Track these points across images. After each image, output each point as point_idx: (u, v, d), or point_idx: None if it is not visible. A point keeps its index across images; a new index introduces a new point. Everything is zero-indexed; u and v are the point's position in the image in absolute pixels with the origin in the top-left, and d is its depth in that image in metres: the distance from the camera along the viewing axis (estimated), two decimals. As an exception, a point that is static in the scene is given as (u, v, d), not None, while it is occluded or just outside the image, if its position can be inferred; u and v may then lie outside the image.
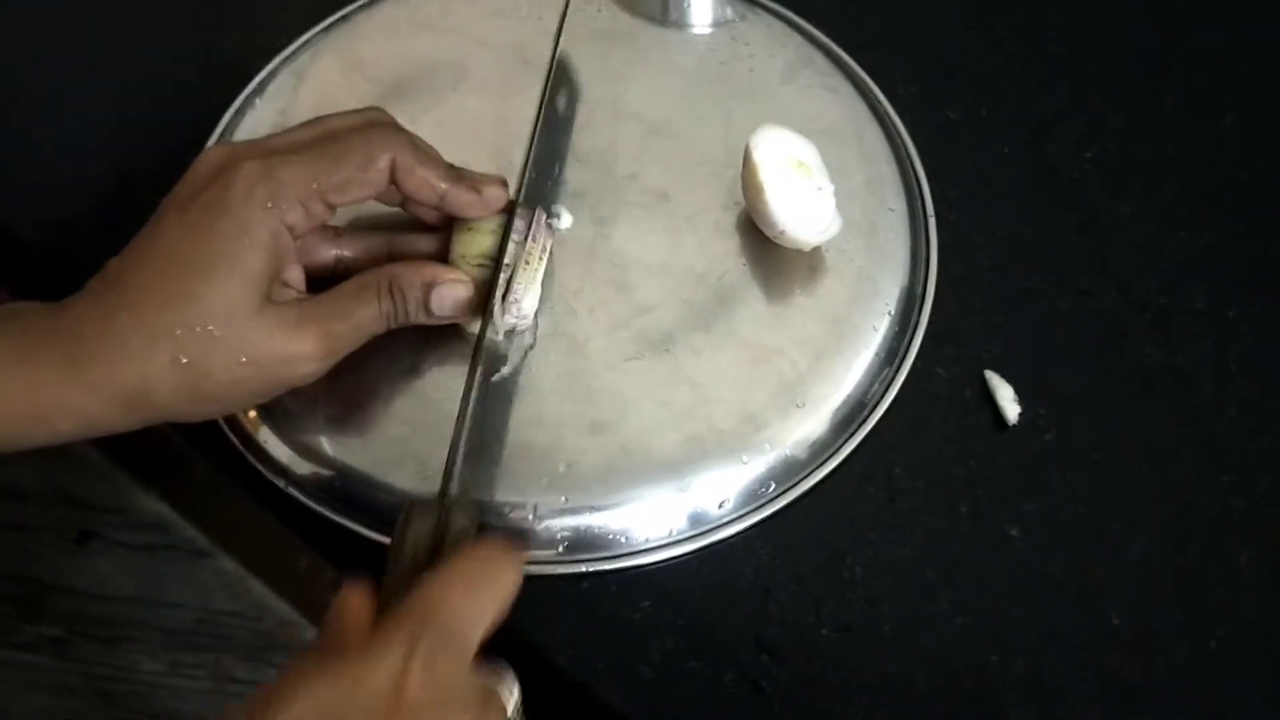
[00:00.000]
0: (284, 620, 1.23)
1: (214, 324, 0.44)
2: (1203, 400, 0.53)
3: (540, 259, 0.50)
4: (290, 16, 0.65)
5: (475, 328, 0.50)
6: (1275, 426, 0.52)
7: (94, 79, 0.65)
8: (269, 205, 0.44)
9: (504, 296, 0.49)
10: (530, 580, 0.48)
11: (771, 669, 0.47)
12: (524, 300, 0.50)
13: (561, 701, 0.47)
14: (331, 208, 0.47)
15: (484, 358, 0.50)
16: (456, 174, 0.49)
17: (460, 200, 0.49)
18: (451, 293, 0.48)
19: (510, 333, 0.51)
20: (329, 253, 0.50)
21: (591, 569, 0.49)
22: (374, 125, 0.48)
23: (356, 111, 0.49)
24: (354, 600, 0.41)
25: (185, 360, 0.44)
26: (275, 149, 0.46)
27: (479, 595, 0.41)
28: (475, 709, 0.40)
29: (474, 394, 0.48)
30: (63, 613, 1.24)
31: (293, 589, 1.23)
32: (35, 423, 0.44)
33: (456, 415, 0.47)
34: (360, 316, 0.47)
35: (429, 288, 0.48)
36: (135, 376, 0.43)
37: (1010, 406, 0.52)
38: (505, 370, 0.51)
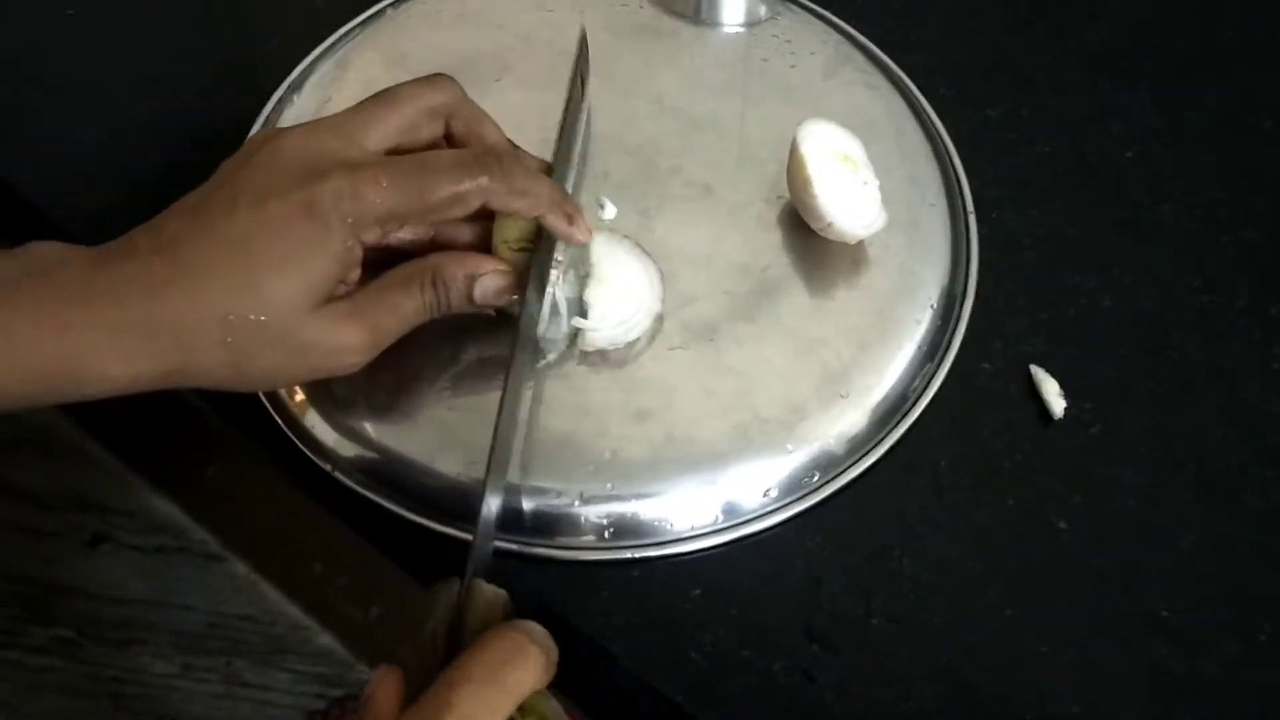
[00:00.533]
0: (296, 624, 1.23)
1: (268, 315, 0.44)
2: (1247, 396, 0.53)
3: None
4: (332, 8, 0.65)
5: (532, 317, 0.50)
6: (1320, 423, 0.52)
7: (137, 68, 0.65)
8: (349, 221, 0.44)
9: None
10: (578, 567, 0.49)
11: (823, 658, 0.47)
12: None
13: (614, 689, 0.47)
14: (404, 227, 0.47)
15: (530, 346, 0.50)
16: (555, 201, 0.48)
17: (557, 227, 0.48)
18: (493, 283, 0.48)
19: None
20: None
21: (637, 555, 0.49)
22: (475, 166, 0.46)
23: (432, 87, 0.49)
24: (382, 691, 0.41)
25: (231, 341, 0.44)
26: (358, 162, 0.45)
27: (497, 687, 0.40)
28: None
29: (510, 398, 0.48)
30: (74, 615, 1.23)
31: (305, 593, 1.23)
32: (65, 384, 0.43)
33: (490, 448, 0.46)
34: (406, 309, 0.47)
35: (471, 279, 0.48)
36: (179, 351, 0.43)
37: (1056, 400, 0.52)
38: (551, 358, 0.51)
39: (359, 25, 0.65)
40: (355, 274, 0.47)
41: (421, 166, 0.46)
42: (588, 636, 0.47)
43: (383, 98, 0.48)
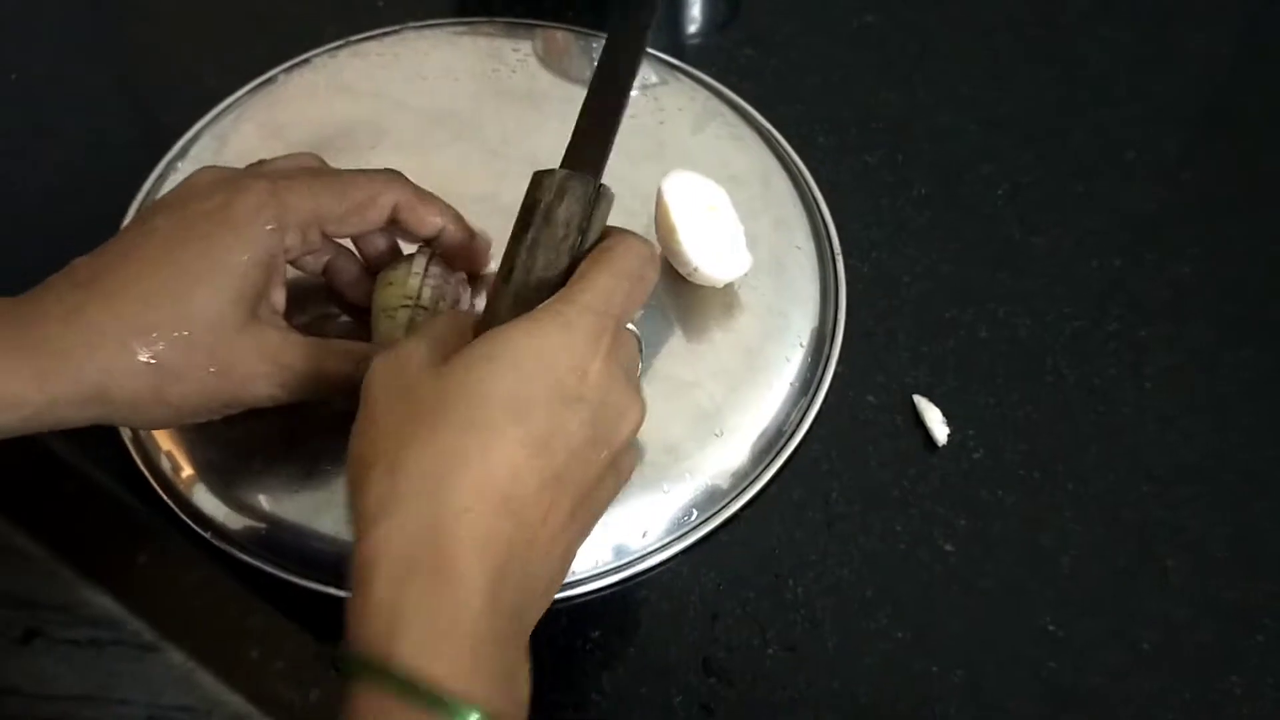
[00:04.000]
0: (236, 713, 1.20)
1: (194, 330, 0.43)
2: (1121, 416, 0.55)
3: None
4: (211, 82, 0.67)
5: None
6: (1191, 439, 0.54)
7: (18, 146, 0.66)
8: (271, 227, 0.45)
9: None
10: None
11: (720, 691, 0.47)
12: None
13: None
14: (326, 238, 0.49)
15: None
16: (457, 214, 0.51)
17: (457, 239, 0.51)
18: None
19: None
20: None
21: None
22: (381, 171, 0.50)
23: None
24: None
25: (155, 361, 0.43)
26: (279, 173, 0.48)
27: (639, 292, 0.42)
28: (632, 415, 0.41)
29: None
30: (9, 716, 1.20)
31: (244, 681, 1.21)
32: None
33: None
34: (333, 372, 0.47)
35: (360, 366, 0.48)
36: (98, 371, 0.42)
37: (939, 428, 0.54)
38: None
39: (241, 97, 0.66)
40: (279, 295, 0.48)
41: (337, 174, 0.49)
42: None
43: (335, 185, 0.49)
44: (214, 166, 0.48)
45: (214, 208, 0.45)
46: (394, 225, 0.50)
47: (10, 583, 1.26)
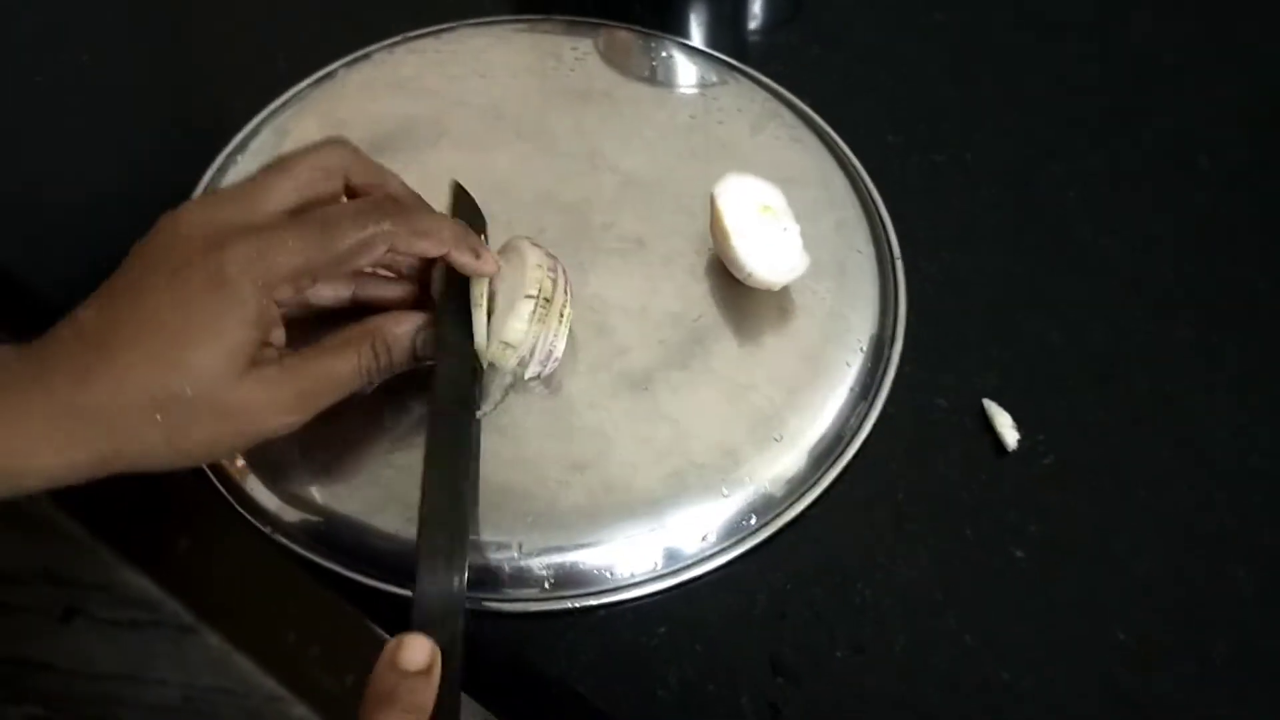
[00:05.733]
0: (271, 695, 1.22)
1: (195, 388, 0.44)
2: (1193, 423, 0.54)
3: (569, 305, 0.51)
4: (272, 76, 0.67)
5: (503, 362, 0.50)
6: (1264, 446, 0.54)
7: (82, 133, 0.67)
8: (260, 284, 0.45)
9: (532, 349, 0.50)
10: (536, 616, 0.49)
11: (787, 690, 0.47)
12: (558, 347, 0.51)
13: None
14: (317, 282, 0.48)
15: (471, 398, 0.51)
16: (458, 237, 0.50)
17: (464, 263, 0.50)
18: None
19: (537, 378, 0.52)
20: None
21: (578, 605, 0.49)
22: (375, 212, 0.48)
23: (324, 148, 0.49)
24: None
25: (162, 419, 0.44)
26: (261, 225, 0.46)
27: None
28: None
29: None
30: (46, 692, 1.22)
31: (279, 664, 1.22)
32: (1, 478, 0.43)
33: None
34: (340, 373, 0.47)
35: (414, 333, 0.49)
36: (110, 435, 0.44)
37: (1009, 433, 0.53)
38: (487, 409, 0.52)
39: (301, 91, 0.66)
40: (279, 334, 0.48)
41: (324, 220, 0.47)
42: (555, 678, 0.48)
43: (276, 165, 0.49)
44: (195, 206, 0.47)
45: (204, 268, 0.45)
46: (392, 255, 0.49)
47: (52, 561, 1.28)
